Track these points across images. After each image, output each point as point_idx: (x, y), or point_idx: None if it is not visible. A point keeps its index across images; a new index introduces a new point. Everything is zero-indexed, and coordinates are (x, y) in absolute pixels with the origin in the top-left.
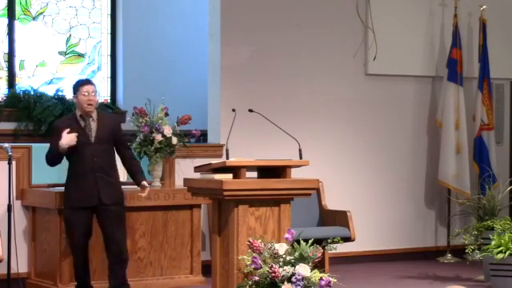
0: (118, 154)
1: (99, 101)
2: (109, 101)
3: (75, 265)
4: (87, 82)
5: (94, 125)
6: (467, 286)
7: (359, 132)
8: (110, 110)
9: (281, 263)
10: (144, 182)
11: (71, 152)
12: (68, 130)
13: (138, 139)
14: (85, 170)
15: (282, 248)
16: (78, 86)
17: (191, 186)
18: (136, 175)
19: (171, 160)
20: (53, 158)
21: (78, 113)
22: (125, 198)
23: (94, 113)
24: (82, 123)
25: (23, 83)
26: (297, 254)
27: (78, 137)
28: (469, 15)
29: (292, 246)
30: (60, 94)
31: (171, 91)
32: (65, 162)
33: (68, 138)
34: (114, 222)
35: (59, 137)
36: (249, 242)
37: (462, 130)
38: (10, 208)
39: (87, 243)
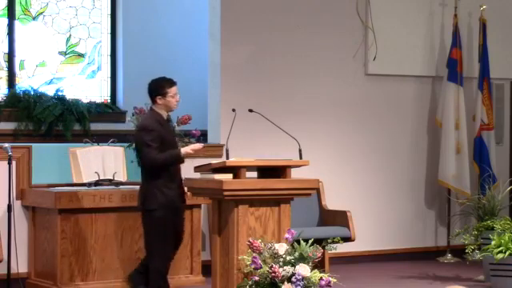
0: None
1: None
2: (109, 101)
3: (163, 268)
4: (174, 82)
5: (172, 126)
6: (467, 286)
7: (359, 132)
8: (110, 109)
9: (281, 263)
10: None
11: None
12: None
13: None
14: (175, 170)
15: (281, 248)
16: (166, 87)
17: (191, 186)
18: None
19: None
20: (169, 165)
21: (163, 113)
22: None
23: None
24: (168, 123)
25: (23, 83)
26: (297, 254)
27: (171, 138)
28: (469, 15)
29: (292, 246)
30: (60, 93)
31: None
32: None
33: (196, 147)
34: (184, 224)
35: (159, 139)
36: (249, 242)
37: (462, 130)
38: (9, 208)
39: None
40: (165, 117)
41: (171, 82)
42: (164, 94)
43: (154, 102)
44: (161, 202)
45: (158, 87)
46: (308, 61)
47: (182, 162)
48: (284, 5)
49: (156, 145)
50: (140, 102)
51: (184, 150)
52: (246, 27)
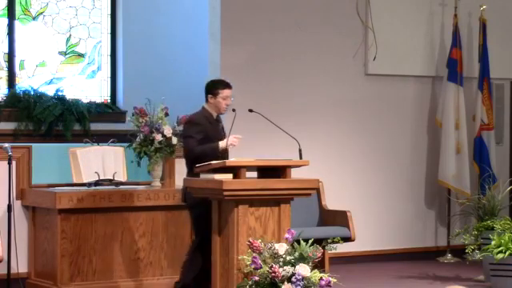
0: None
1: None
2: (109, 101)
3: (201, 266)
4: (229, 85)
5: (222, 126)
6: (467, 286)
7: (359, 132)
8: (110, 109)
9: (281, 263)
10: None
11: None
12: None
13: (138, 139)
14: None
15: (281, 248)
16: (219, 88)
17: (191, 186)
18: None
19: (171, 160)
20: (205, 157)
21: (213, 112)
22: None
23: None
24: (217, 123)
25: (23, 83)
26: (297, 254)
27: (216, 136)
28: (469, 15)
29: (292, 246)
30: (60, 93)
31: (171, 91)
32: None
33: (231, 140)
34: None
35: (202, 133)
36: (249, 242)
37: (462, 129)
38: (10, 208)
39: None
40: (214, 116)
41: (225, 84)
42: (215, 94)
43: (206, 100)
44: (198, 199)
45: (212, 87)
46: (308, 61)
47: (219, 155)
48: (284, 5)
49: (199, 137)
50: (140, 102)
51: (222, 143)
52: (246, 27)
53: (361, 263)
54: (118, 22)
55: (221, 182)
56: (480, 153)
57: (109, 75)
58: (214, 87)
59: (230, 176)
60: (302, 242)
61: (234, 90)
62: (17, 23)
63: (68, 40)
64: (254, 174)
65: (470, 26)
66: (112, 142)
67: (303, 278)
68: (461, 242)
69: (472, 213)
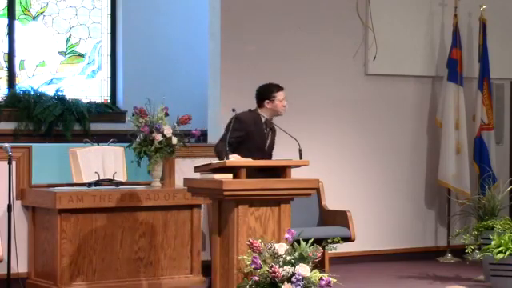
0: None
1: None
2: (109, 101)
3: None
4: (282, 87)
5: (270, 132)
6: (467, 286)
7: (359, 132)
8: (110, 109)
9: (281, 263)
10: None
11: (242, 154)
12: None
13: (138, 139)
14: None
15: (281, 248)
16: (274, 91)
17: (191, 186)
18: None
19: (171, 160)
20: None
21: (265, 116)
22: None
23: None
24: (264, 127)
25: (23, 83)
26: (297, 254)
27: (256, 140)
28: (469, 15)
29: (292, 246)
30: (60, 93)
31: (171, 91)
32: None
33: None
34: None
35: (243, 131)
36: (249, 242)
37: (462, 129)
38: (10, 208)
39: None
40: (263, 120)
41: (279, 87)
42: (272, 98)
43: (261, 106)
44: None
45: (267, 91)
46: (308, 61)
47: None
48: (284, 5)
49: (235, 135)
50: (140, 102)
51: (232, 157)
52: (246, 27)
53: (361, 263)
54: (118, 22)
55: (221, 182)
56: (480, 153)
57: (109, 75)
58: (268, 91)
59: (229, 176)
60: (302, 241)
61: (235, 90)
62: (17, 23)
63: (68, 40)
64: None
65: (470, 26)
66: (112, 142)
67: (303, 278)
68: (461, 241)
69: (472, 213)
